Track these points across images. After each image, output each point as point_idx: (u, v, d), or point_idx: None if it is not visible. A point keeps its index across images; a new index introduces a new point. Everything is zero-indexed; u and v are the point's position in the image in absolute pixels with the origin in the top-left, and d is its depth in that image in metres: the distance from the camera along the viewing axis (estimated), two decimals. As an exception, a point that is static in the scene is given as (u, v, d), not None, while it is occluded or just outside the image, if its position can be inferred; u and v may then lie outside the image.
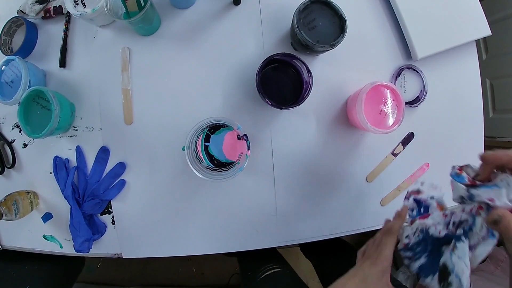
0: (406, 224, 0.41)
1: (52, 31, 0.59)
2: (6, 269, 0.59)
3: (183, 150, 0.47)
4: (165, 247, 0.56)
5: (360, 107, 0.48)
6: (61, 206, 0.57)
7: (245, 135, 0.49)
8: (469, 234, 0.33)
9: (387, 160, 0.58)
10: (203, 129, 0.50)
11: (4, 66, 0.55)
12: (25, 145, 0.59)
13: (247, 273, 0.66)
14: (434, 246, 0.37)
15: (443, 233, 0.36)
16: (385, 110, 0.50)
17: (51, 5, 0.58)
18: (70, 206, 0.55)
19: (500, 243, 0.31)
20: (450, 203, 0.39)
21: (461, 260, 0.32)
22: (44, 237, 0.58)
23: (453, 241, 0.34)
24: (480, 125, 0.61)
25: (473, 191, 0.33)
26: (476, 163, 0.36)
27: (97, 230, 0.56)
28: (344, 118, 0.57)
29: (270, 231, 0.56)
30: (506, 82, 1.10)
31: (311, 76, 0.50)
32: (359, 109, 0.49)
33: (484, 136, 0.61)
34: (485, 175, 0.34)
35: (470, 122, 0.61)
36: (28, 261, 0.61)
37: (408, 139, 0.58)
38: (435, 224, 0.37)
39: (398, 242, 0.41)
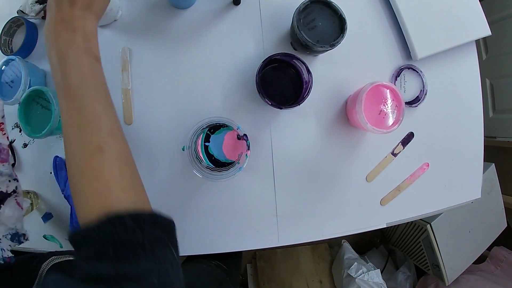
0: None
1: (52, 31, 0.59)
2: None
3: (183, 150, 0.47)
4: (165, 247, 0.56)
5: (360, 107, 0.48)
6: (61, 206, 0.57)
7: (245, 135, 0.49)
8: None
9: (387, 160, 0.58)
10: (203, 129, 0.50)
11: (4, 66, 0.55)
12: (25, 145, 0.59)
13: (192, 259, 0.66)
14: None
15: None
16: (385, 110, 0.50)
17: (51, 5, 0.58)
18: (70, 206, 0.55)
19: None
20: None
21: None
22: (44, 237, 0.58)
23: None
24: (480, 125, 0.61)
25: None
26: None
27: (97, 230, 0.56)
28: (344, 118, 0.57)
29: (270, 231, 0.56)
30: (506, 82, 1.11)
31: (311, 76, 0.50)
32: (359, 109, 0.49)
33: (484, 136, 0.61)
34: None
35: (470, 122, 0.61)
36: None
37: (408, 139, 0.58)
38: None
39: None
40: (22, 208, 0.39)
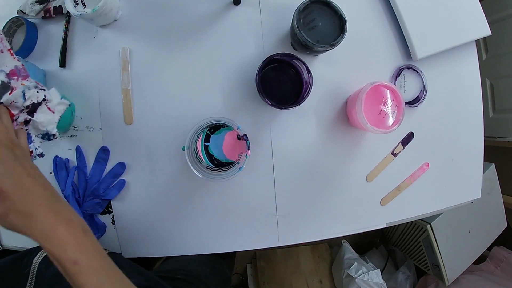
0: None
1: (52, 31, 0.59)
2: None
3: (183, 150, 0.47)
4: (165, 247, 0.56)
5: (360, 107, 0.48)
6: (61, 206, 0.57)
7: (245, 135, 0.49)
8: None
9: (387, 160, 0.58)
10: (203, 129, 0.50)
11: (4, 66, 0.55)
12: (25, 145, 0.59)
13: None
14: None
15: None
16: (385, 110, 0.50)
17: (51, 5, 0.58)
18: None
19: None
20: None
21: None
22: (44, 237, 0.58)
23: None
24: (480, 125, 0.61)
25: None
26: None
27: (97, 230, 0.56)
28: (344, 118, 0.57)
29: (270, 231, 0.56)
30: (506, 82, 1.11)
31: (311, 76, 0.50)
32: (359, 109, 0.49)
33: (484, 136, 0.61)
34: None
35: (470, 122, 0.61)
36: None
37: (408, 139, 0.58)
38: None
39: None
40: (53, 112, 0.45)
